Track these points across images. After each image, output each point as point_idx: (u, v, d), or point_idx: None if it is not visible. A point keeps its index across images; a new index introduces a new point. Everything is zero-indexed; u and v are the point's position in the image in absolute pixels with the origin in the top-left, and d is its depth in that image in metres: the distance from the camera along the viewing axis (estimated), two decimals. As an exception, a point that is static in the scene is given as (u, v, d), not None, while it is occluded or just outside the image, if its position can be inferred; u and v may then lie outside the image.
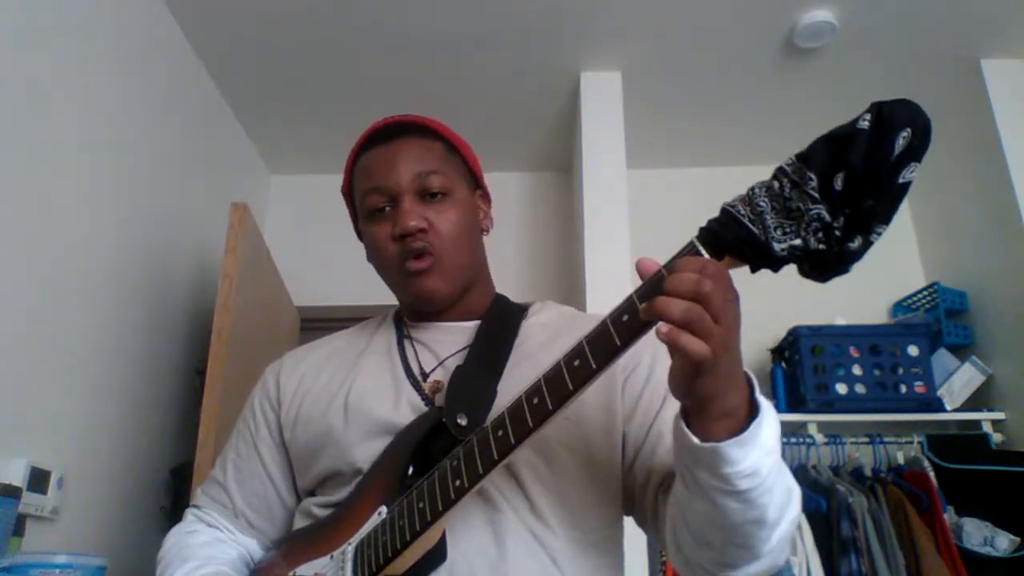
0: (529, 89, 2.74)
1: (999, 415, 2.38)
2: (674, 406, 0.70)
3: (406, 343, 0.98)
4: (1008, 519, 2.14)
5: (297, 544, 0.90)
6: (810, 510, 2.10)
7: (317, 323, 2.78)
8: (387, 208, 0.93)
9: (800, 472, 2.25)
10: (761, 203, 0.59)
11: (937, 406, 2.37)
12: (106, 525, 1.92)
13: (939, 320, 2.58)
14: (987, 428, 2.37)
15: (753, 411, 0.65)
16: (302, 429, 0.94)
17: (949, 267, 2.78)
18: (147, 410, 2.15)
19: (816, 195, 0.56)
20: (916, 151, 0.54)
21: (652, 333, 0.63)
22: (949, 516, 2.15)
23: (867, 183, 0.55)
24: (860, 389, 2.40)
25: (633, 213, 2.51)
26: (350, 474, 0.88)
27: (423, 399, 0.89)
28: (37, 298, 1.67)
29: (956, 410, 2.41)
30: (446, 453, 0.77)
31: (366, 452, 0.87)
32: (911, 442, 2.29)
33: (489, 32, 2.45)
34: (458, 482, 0.73)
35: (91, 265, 1.89)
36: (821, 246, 0.57)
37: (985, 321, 2.56)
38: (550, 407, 0.66)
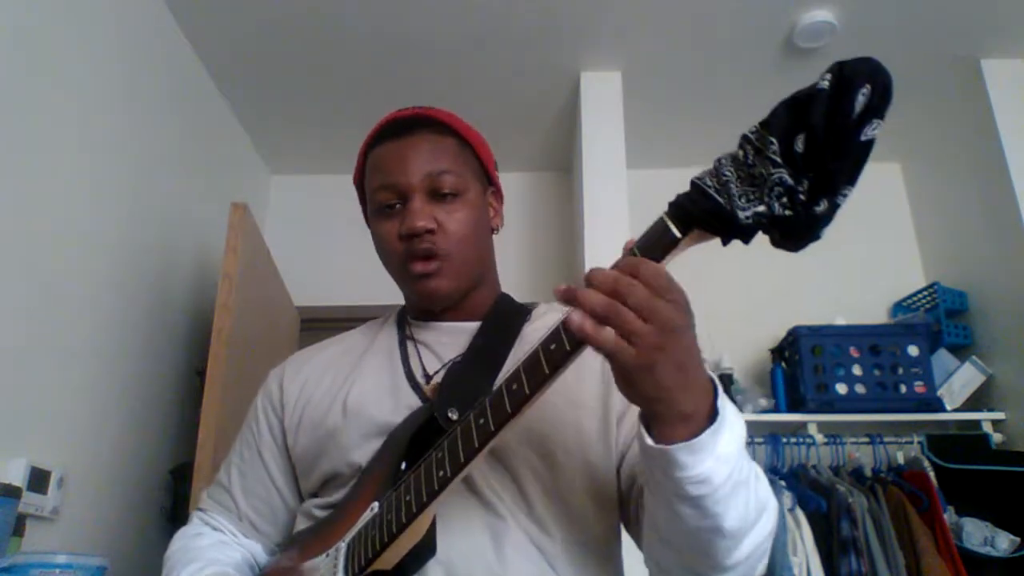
0: (529, 89, 2.74)
1: (999, 415, 2.38)
2: None
3: (408, 344, 0.97)
4: (1008, 519, 2.14)
5: (298, 545, 0.91)
6: (810, 510, 2.10)
7: (317, 323, 2.79)
8: (397, 205, 0.92)
9: (800, 472, 2.25)
10: (726, 172, 0.58)
11: (937, 406, 2.37)
12: (106, 525, 1.92)
13: (939, 320, 2.58)
14: (987, 428, 2.37)
15: (713, 418, 0.63)
16: (304, 434, 0.94)
17: (949, 267, 2.78)
18: (147, 410, 2.15)
19: (778, 159, 0.55)
20: (877, 108, 0.53)
21: None
22: (949, 516, 2.15)
23: (828, 143, 0.53)
24: (860, 389, 2.40)
25: (633, 213, 2.51)
26: (349, 475, 0.88)
27: (422, 401, 0.89)
28: (37, 298, 1.67)
29: (956, 410, 2.41)
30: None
31: (365, 453, 0.87)
32: (911, 442, 2.29)
33: (489, 32, 2.45)
34: (441, 472, 0.72)
35: (91, 265, 1.89)
36: (787, 212, 0.55)
37: (985, 321, 2.56)
38: (527, 391, 0.66)
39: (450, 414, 0.80)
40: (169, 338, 2.30)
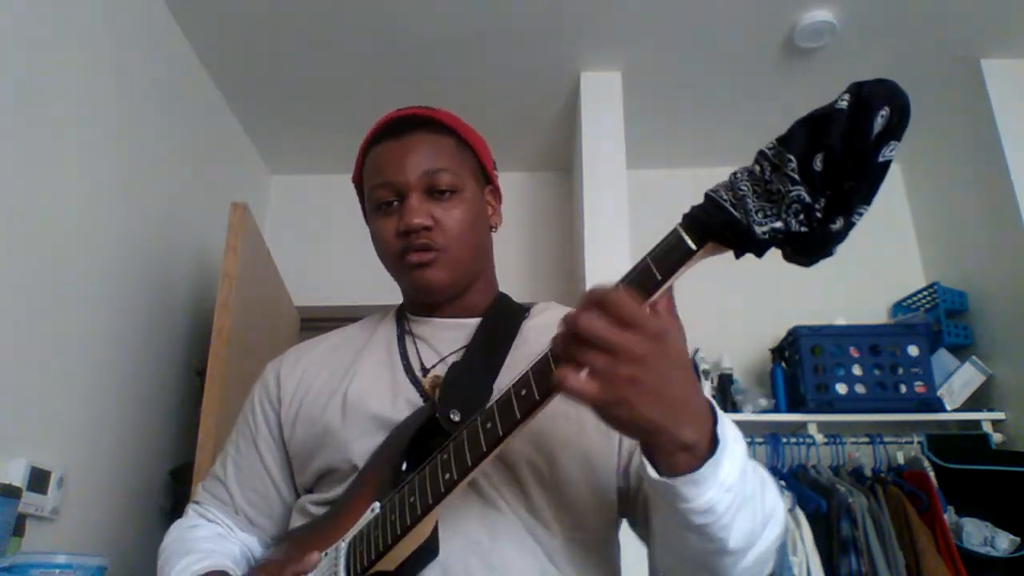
0: (529, 89, 2.74)
1: (999, 415, 2.38)
2: None
3: (407, 339, 0.98)
4: (1008, 519, 2.14)
5: (294, 542, 0.90)
6: (810, 510, 2.10)
7: (317, 323, 2.78)
8: (394, 203, 0.93)
9: (800, 472, 2.25)
10: (742, 187, 0.59)
11: (937, 406, 2.37)
12: (106, 525, 1.92)
13: (939, 320, 2.58)
14: (987, 428, 2.37)
15: (713, 447, 0.63)
16: (301, 427, 0.94)
17: (949, 267, 2.78)
18: (147, 410, 2.15)
19: (796, 176, 0.56)
20: (895, 130, 0.54)
21: None
22: (949, 516, 2.15)
23: (847, 163, 0.54)
24: (860, 389, 2.40)
25: (633, 213, 2.51)
26: (346, 471, 0.88)
27: (421, 395, 0.89)
28: (37, 298, 1.67)
29: (956, 410, 2.41)
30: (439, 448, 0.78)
31: (363, 448, 0.87)
32: (911, 442, 2.29)
33: (489, 32, 2.45)
34: (447, 475, 0.72)
35: (91, 265, 1.89)
36: (803, 228, 0.56)
37: (985, 321, 2.56)
38: (537, 397, 0.66)
39: (452, 416, 0.81)
40: (169, 338, 2.30)
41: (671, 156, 3.03)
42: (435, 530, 0.75)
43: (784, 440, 2.30)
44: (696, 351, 2.55)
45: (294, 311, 2.80)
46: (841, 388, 2.40)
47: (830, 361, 2.43)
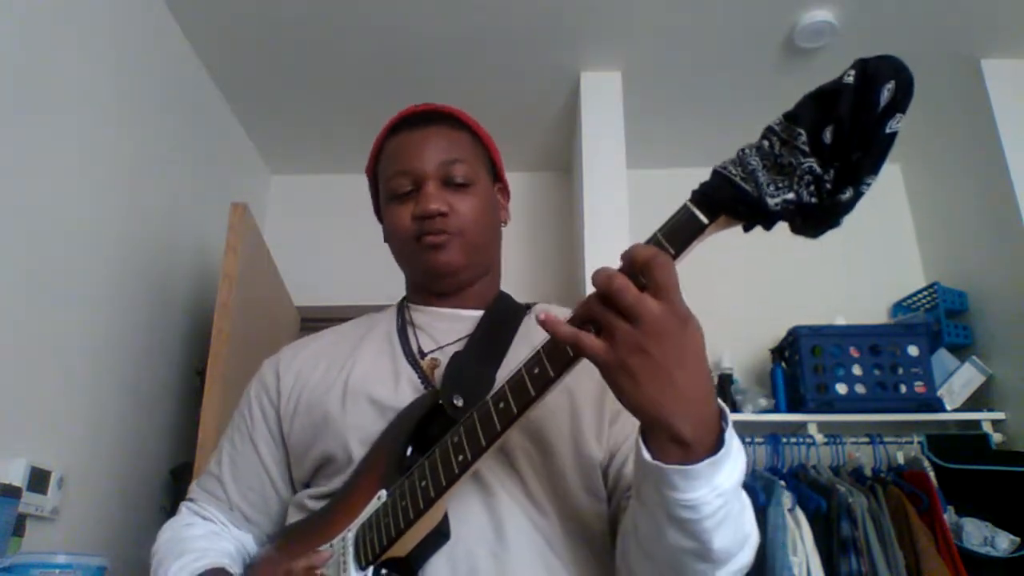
0: (529, 89, 2.74)
1: (999, 415, 2.38)
2: None
3: (408, 329, 0.98)
4: (1008, 519, 2.14)
5: (294, 537, 0.90)
6: (810, 510, 2.10)
7: (317, 323, 2.77)
8: (411, 191, 0.96)
9: (800, 472, 2.25)
10: (752, 162, 0.61)
11: (937, 406, 2.37)
12: (106, 525, 1.92)
13: (939, 320, 2.58)
14: (987, 428, 2.36)
15: (715, 450, 0.63)
16: (301, 417, 0.94)
17: (949, 267, 2.78)
18: (147, 410, 2.15)
19: (807, 149, 0.58)
20: (900, 103, 0.56)
21: None
22: (949, 516, 2.14)
23: (855, 135, 0.56)
24: (860, 389, 2.40)
25: (633, 213, 2.51)
26: (344, 460, 0.88)
27: (420, 378, 0.90)
28: (37, 298, 1.67)
29: (956, 410, 2.41)
30: (444, 434, 0.77)
31: (362, 436, 0.87)
32: (911, 442, 2.29)
33: (489, 32, 2.45)
34: (461, 456, 0.73)
35: (91, 265, 1.89)
36: (813, 199, 0.58)
37: (985, 321, 2.56)
38: (552, 375, 0.67)
39: (456, 401, 0.81)
40: (169, 338, 2.30)
41: (671, 156, 3.02)
42: (445, 515, 0.76)
43: (784, 440, 2.30)
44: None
45: (294, 311, 2.80)
46: (841, 388, 2.40)
47: (830, 361, 2.43)
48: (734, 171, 0.62)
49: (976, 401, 2.45)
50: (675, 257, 0.63)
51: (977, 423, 2.39)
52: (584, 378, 0.86)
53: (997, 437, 2.33)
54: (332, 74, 2.65)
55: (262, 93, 2.75)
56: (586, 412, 0.87)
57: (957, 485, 2.21)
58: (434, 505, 0.75)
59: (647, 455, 0.64)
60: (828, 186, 0.58)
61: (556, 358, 0.67)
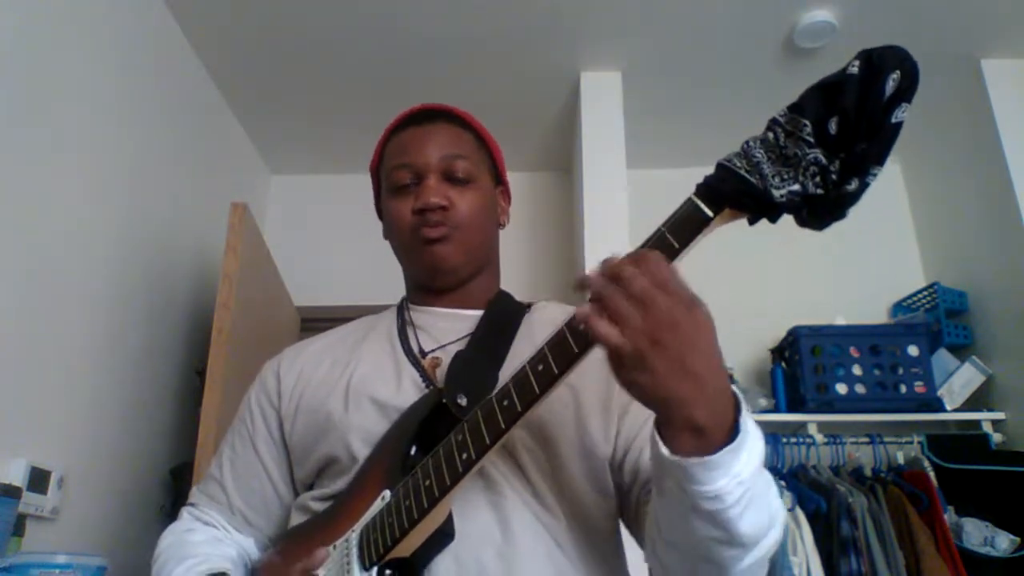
0: (529, 89, 2.74)
1: (999, 415, 2.38)
2: None
3: (408, 329, 0.98)
4: (1008, 519, 2.14)
5: (296, 540, 0.89)
6: (810, 510, 2.10)
7: (317, 323, 2.78)
8: (411, 185, 0.96)
9: (800, 472, 2.25)
10: (757, 154, 0.61)
11: (937, 406, 2.37)
12: (106, 525, 1.92)
13: (939, 320, 2.58)
14: (987, 428, 2.37)
15: (732, 437, 0.62)
16: (303, 418, 0.94)
17: (949, 267, 2.78)
18: (147, 410, 2.15)
19: (812, 140, 0.58)
20: (905, 92, 0.56)
21: None
22: (949, 516, 2.15)
23: (860, 125, 0.56)
24: (860, 389, 2.40)
25: (633, 213, 2.51)
26: (347, 461, 0.87)
27: (422, 378, 0.89)
28: (37, 298, 1.67)
29: (956, 410, 2.41)
30: (448, 433, 0.77)
31: (365, 436, 0.87)
32: (911, 442, 2.29)
33: (489, 32, 2.45)
34: (465, 455, 0.72)
35: (91, 265, 1.89)
36: (819, 190, 0.58)
37: (985, 321, 2.56)
38: (556, 371, 0.66)
39: (459, 400, 0.81)
40: (169, 338, 2.30)
41: (671, 156, 3.02)
42: (450, 514, 0.75)
43: (784, 440, 2.30)
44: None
45: (294, 311, 2.80)
46: (841, 388, 2.40)
47: (830, 361, 2.43)
48: (739, 163, 0.61)
49: (976, 401, 2.45)
50: (680, 251, 0.63)
51: (977, 423, 2.39)
52: (589, 376, 0.86)
53: (997, 437, 2.34)
54: (332, 74, 2.65)
55: (262, 93, 2.75)
56: (592, 409, 0.87)
57: (957, 485, 2.21)
58: (438, 504, 0.74)
59: (665, 450, 0.62)
60: (834, 177, 0.57)
61: (560, 355, 0.66)
